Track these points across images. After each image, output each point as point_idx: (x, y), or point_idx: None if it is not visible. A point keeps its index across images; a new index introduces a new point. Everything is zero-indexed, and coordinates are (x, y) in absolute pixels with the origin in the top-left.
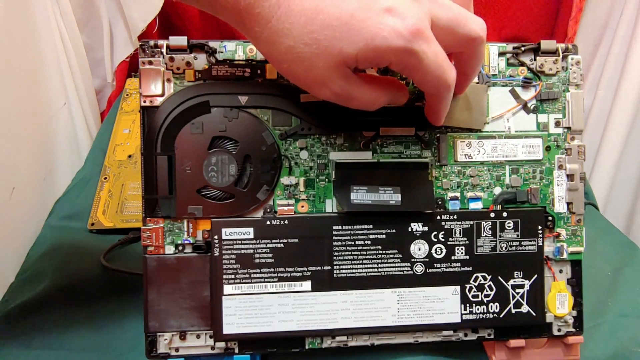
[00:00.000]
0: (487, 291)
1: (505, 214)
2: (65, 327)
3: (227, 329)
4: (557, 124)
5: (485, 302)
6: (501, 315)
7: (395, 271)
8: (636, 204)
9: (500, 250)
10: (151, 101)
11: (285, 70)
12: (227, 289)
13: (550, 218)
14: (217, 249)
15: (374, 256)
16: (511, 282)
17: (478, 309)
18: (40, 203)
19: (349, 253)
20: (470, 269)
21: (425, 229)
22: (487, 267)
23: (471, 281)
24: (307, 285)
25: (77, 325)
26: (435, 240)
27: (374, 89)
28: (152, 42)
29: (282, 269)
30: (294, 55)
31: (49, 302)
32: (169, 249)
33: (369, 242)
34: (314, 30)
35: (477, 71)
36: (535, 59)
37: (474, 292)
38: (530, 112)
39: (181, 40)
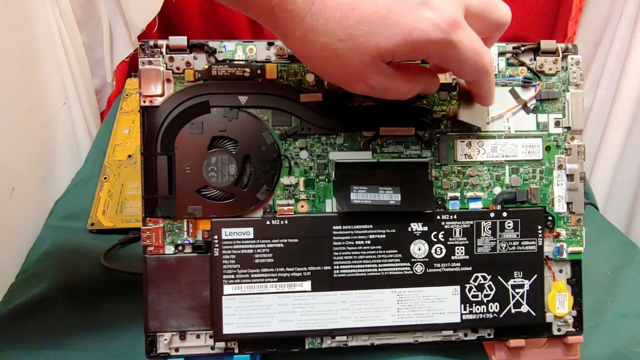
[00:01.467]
0: (487, 291)
1: (505, 214)
2: (65, 327)
3: (227, 329)
4: (557, 123)
5: (485, 302)
6: (501, 315)
7: (395, 271)
8: (636, 204)
9: (500, 250)
10: (151, 101)
11: (319, 68)
12: (227, 289)
13: (550, 218)
14: (217, 249)
15: (374, 256)
16: (511, 282)
17: (478, 309)
18: (40, 203)
19: (349, 253)
20: (470, 268)
21: (425, 229)
22: (487, 267)
23: (471, 281)
24: (307, 285)
25: (77, 325)
26: (435, 240)
27: (408, 80)
28: (152, 42)
29: (282, 269)
30: (329, 53)
31: (49, 302)
32: (169, 249)
33: (368, 242)
34: (349, 26)
35: None
36: (535, 59)
37: (474, 292)
38: (530, 112)
39: (181, 40)
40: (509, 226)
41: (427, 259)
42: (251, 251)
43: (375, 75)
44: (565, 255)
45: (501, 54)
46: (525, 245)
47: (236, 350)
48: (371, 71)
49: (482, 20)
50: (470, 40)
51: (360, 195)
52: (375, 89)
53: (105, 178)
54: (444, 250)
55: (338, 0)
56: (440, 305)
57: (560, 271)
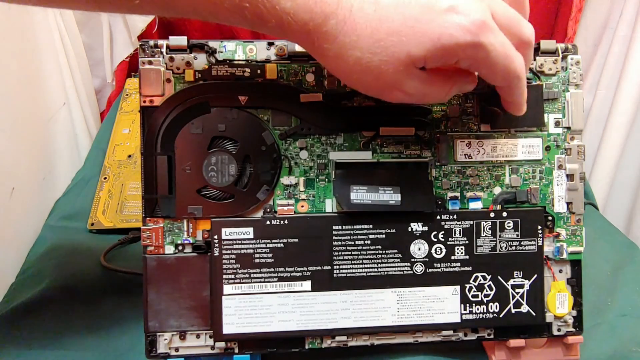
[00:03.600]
0: (487, 291)
1: (505, 214)
2: (65, 327)
3: (227, 329)
4: (557, 123)
5: (485, 302)
6: (501, 315)
7: (395, 271)
8: (636, 204)
9: (500, 250)
10: (151, 101)
11: (355, 81)
12: (227, 288)
13: (550, 218)
14: (217, 249)
15: (374, 256)
16: (511, 282)
17: (478, 309)
18: (40, 203)
19: (349, 253)
20: (470, 268)
21: (425, 228)
22: (487, 267)
23: (471, 281)
24: (307, 285)
25: (77, 325)
26: (435, 240)
27: (445, 82)
28: (152, 42)
29: (282, 269)
30: (363, 66)
31: (49, 302)
32: (169, 249)
33: (368, 242)
34: (380, 39)
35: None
36: (535, 59)
37: (474, 292)
38: None
39: (181, 40)
40: (508, 226)
41: (427, 259)
42: (251, 251)
43: (410, 81)
44: (565, 255)
45: None
46: (525, 245)
47: (236, 350)
48: (406, 78)
49: (507, 33)
50: (501, 43)
51: (360, 195)
52: (413, 95)
53: (105, 178)
54: (443, 250)
55: (368, 17)
56: (440, 305)
57: (560, 271)
